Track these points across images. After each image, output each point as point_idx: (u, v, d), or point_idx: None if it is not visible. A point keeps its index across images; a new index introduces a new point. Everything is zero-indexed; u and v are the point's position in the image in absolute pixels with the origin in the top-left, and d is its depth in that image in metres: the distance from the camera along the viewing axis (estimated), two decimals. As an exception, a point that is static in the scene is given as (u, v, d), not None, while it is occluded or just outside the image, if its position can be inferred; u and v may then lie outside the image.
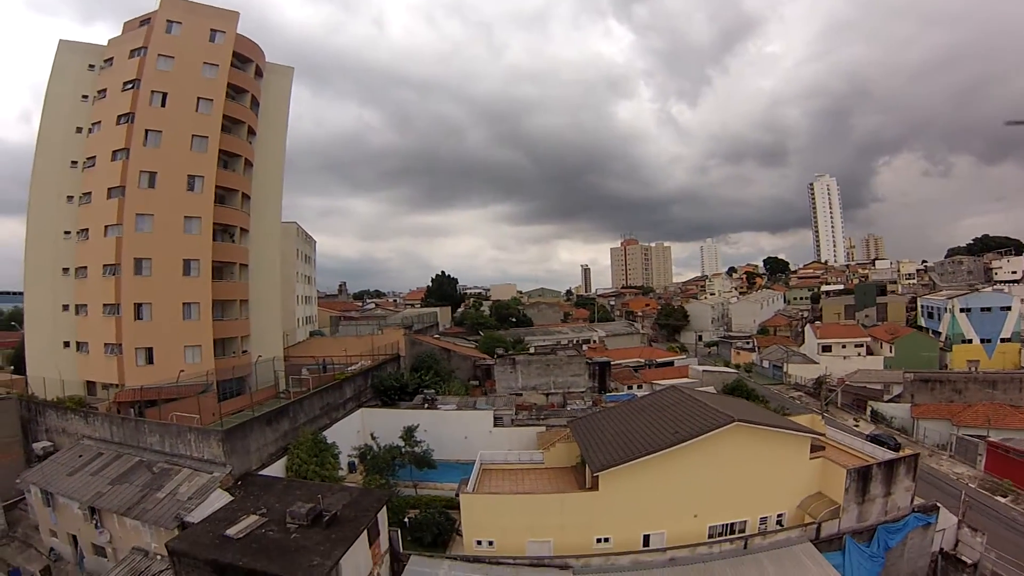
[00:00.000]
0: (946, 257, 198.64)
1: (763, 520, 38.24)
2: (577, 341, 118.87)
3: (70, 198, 59.65)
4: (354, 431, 58.50)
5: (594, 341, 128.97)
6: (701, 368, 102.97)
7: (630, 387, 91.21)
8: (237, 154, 64.13)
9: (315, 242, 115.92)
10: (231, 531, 30.61)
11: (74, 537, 41.16)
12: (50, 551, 42.75)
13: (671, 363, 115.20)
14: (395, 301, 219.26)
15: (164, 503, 36.93)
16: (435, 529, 42.57)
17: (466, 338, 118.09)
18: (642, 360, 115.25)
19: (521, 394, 77.32)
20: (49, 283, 59.13)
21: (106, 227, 56.07)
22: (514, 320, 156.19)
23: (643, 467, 36.01)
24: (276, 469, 44.02)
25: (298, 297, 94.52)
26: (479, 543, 37.35)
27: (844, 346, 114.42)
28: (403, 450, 50.57)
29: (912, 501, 38.05)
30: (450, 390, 72.90)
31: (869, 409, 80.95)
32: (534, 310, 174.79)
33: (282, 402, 49.71)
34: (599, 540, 37.15)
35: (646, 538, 37.30)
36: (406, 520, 43.68)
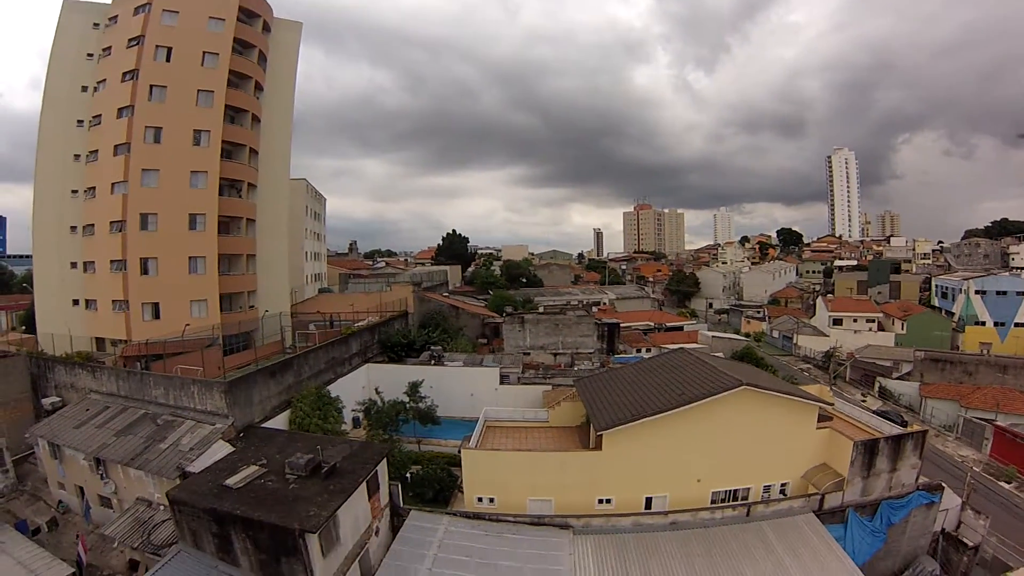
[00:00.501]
0: (963, 239, 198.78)
1: (766, 488, 37.95)
2: (587, 303, 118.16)
3: (77, 157, 59.43)
4: (359, 386, 58.55)
5: (604, 304, 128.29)
6: (711, 334, 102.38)
7: (639, 350, 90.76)
8: (244, 109, 63.33)
9: (325, 199, 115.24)
10: (230, 481, 30.57)
11: (81, 489, 41.64)
12: (58, 503, 43.34)
13: (681, 328, 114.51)
14: (406, 260, 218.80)
15: (167, 454, 37.11)
16: (437, 485, 42.66)
17: (475, 297, 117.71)
18: (652, 324, 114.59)
19: (529, 353, 77.06)
20: (57, 242, 59.20)
21: (112, 184, 55.92)
22: (524, 281, 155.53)
23: (648, 428, 35.59)
24: (279, 422, 44.13)
25: (307, 254, 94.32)
26: (480, 500, 37.32)
27: (855, 320, 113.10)
28: (407, 406, 50.47)
29: (917, 479, 37.52)
30: (457, 347, 72.82)
31: (877, 385, 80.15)
32: (545, 271, 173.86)
33: (287, 356, 49.52)
34: (601, 501, 37.03)
35: (648, 501, 37.16)
36: (408, 476, 43.77)
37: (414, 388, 51.12)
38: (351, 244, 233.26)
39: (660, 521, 35.32)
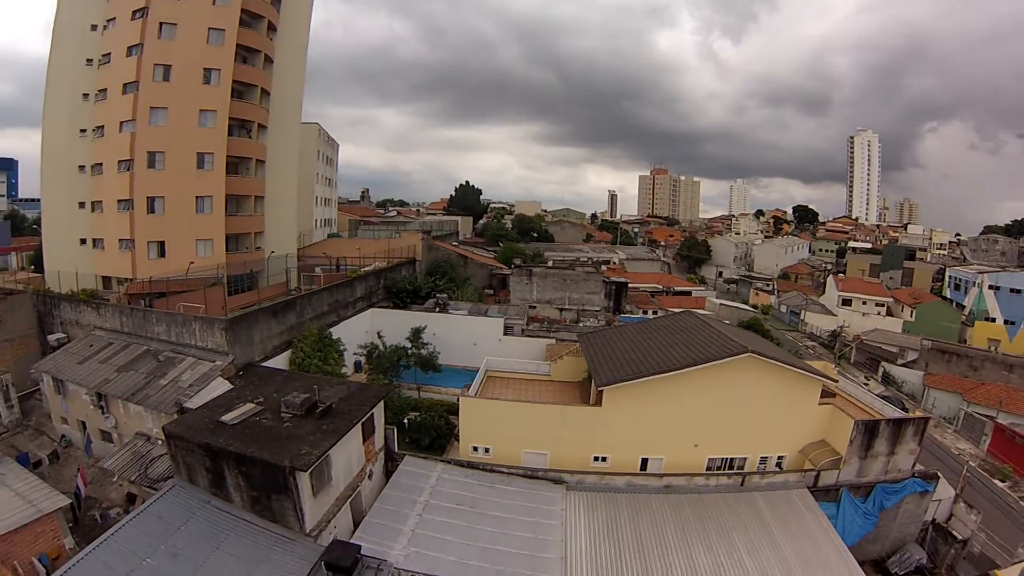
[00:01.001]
0: (981, 234, 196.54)
1: (763, 460, 37.83)
2: (597, 261, 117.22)
3: (86, 96, 58.56)
4: (363, 330, 58.58)
5: (614, 263, 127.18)
6: (719, 301, 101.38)
7: (645, 311, 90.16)
8: (257, 49, 61.91)
9: (337, 145, 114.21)
10: (226, 417, 30.55)
11: (83, 423, 42.06)
12: (61, 437, 43.87)
13: (689, 293, 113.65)
14: (418, 210, 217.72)
15: (166, 389, 37.22)
16: (433, 432, 42.78)
17: (485, 248, 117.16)
18: (660, 286, 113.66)
19: (535, 307, 76.72)
20: (66, 181, 58.75)
21: (121, 123, 55.11)
22: (535, 235, 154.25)
23: (649, 387, 35.33)
24: (280, 362, 44.20)
25: (317, 198, 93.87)
26: (475, 449, 37.48)
27: (865, 303, 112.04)
28: (409, 351, 50.38)
29: (914, 466, 36.94)
30: (463, 296, 72.55)
31: (882, 370, 78.92)
32: (557, 227, 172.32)
33: (290, 297, 49.34)
34: (596, 458, 37.05)
35: (644, 462, 37.17)
36: (405, 421, 43.90)
37: (416, 334, 51.03)
38: (363, 192, 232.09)
39: (654, 483, 35.31)
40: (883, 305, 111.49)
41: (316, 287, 55.45)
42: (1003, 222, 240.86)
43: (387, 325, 58.33)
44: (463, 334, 58.95)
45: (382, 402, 35.28)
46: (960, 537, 36.90)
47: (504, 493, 33.18)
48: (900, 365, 78.68)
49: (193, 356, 40.19)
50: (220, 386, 36.77)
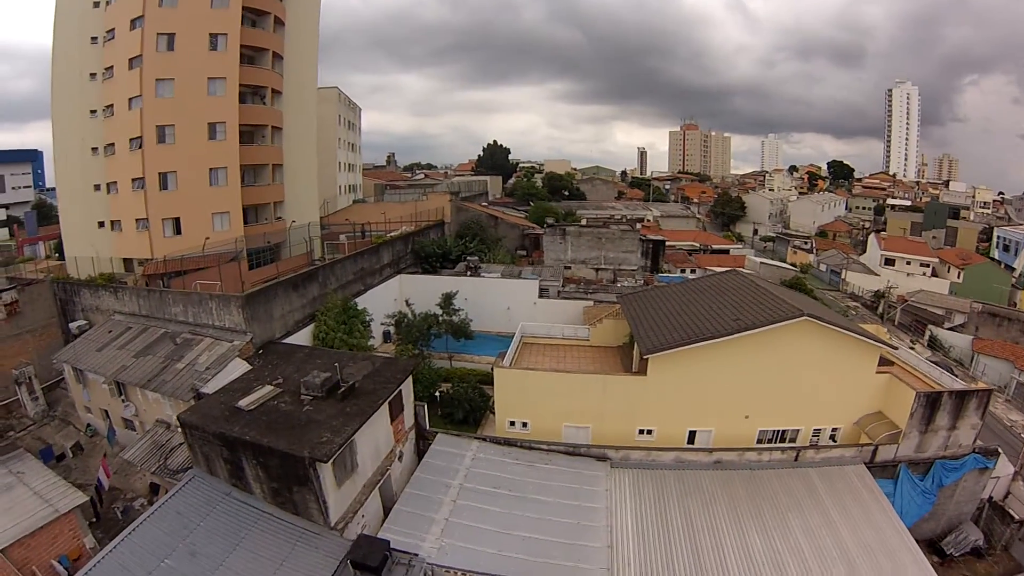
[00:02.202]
0: None
1: (816, 432, 34.79)
2: (631, 218, 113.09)
3: (93, 76, 56.13)
4: (391, 298, 56.26)
5: (648, 220, 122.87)
6: (759, 260, 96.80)
7: (683, 270, 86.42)
8: (265, 11, 58.49)
9: (359, 109, 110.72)
10: (243, 403, 28.37)
11: (106, 412, 40.70)
12: (87, 427, 42.68)
13: (727, 251, 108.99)
14: (445, 172, 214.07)
15: (183, 374, 35.27)
16: (467, 405, 40.36)
17: (516, 208, 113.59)
18: (697, 244, 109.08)
19: (570, 267, 73.59)
20: (79, 164, 56.69)
21: (130, 100, 52.55)
22: (567, 193, 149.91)
23: (698, 354, 32.25)
24: (302, 337, 41.95)
25: (340, 164, 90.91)
26: (512, 424, 34.97)
27: (909, 263, 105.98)
28: (440, 319, 47.78)
29: (975, 441, 33.54)
30: (495, 258, 69.70)
31: (928, 333, 74.11)
32: (588, 185, 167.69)
33: (311, 268, 46.86)
34: (641, 432, 34.33)
35: (691, 435, 34.45)
36: (437, 394, 41.52)
37: (447, 300, 48.27)
38: (389, 156, 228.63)
39: (704, 459, 32.63)
40: (928, 265, 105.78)
41: (340, 255, 53.05)
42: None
43: (416, 292, 55.87)
44: (496, 298, 56.05)
45: (410, 377, 32.83)
46: (1018, 517, 33.82)
47: (544, 473, 30.75)
48: (948, 328, 74.15)
49: (211, 337, 38.11)
50: (238, 367, 34.66)
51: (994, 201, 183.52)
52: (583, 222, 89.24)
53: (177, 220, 51.98)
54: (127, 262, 55.10)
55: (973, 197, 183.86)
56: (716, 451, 32.81)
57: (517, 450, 32.33)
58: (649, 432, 34.31)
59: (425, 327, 47.07)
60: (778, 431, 34.55)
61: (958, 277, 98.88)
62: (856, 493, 30.64)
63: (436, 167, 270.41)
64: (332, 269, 47.65)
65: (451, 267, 64.17)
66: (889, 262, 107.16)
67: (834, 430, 34.84)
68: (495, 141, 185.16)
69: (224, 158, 53.22)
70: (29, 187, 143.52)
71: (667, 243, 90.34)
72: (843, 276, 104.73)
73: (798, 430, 34.54)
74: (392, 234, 63.71)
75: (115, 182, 54.90)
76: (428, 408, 35.50)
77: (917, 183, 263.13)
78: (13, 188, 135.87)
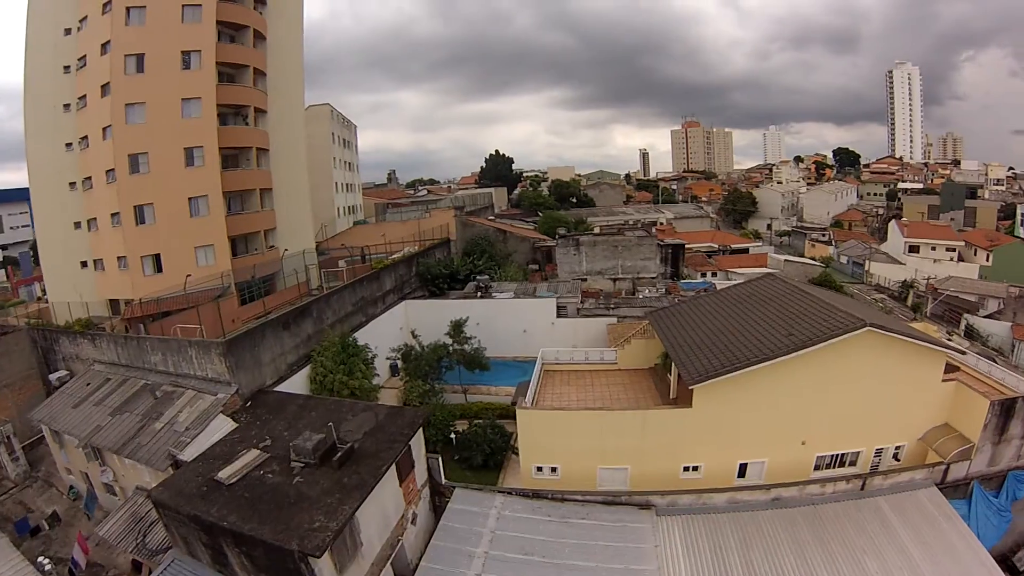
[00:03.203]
0: None
1: (878, 453, 30.31)
2: (646, 222, 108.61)
3: (67, 107, 52.68)
4: (396, 327, 51.99)
5: (661, 223, 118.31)
6: (782, 257, 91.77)
7: (703, 274, 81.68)
8: (243, 24, 54.69)
9: (355, 126, 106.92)
10: (223, 474, 24.08)
11: (87, 474, 36.44)
12: (69, 489, 38.76)
13: (746, 250, 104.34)
14: (448, 187, 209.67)
15: (160, 436, 30.84)
16: (487, 448, 35.70)
17: (524, 219, 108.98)
18: (715, 245, 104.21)
19: (586, 279, 69.15)
20: (57, 200, 53.33)
21: (104, 129, 48.75)
22: (575, 200, 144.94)
23: (749, 378, 27.61)
24: (297, 382, 37.47)
25: (336, 184, 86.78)
26: (539, 470, 30.37)
27: (934, 248, 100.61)
28: (450, 349, 43.33)
29: None
30: (507, 275, 65.13)
31: (964, 323, 69.11)
32: (595, 191, 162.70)
33: (304, 302, 42.44)
34: (686, 469, 29.77)
35: (742, 468, 29.83)
36: (452, 436, 36.97)
37: (457, 328, 43.79)
38: (390, 174, 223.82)
39: (761, 497, 27.96)
40: (954, 250, 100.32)
41: (340, 283, 48.80)
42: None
43: (423, 319, 51.65)
44: (510, 321, 51.50)
45: (421, 429, 28.34)
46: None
47: (582, 531, 26.10)
48: (983, 316, 69.22)
49: (193, 389, 33.71)
50: (222, 425, 30.23)
51: (1007, 177, 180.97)
52: (596, 230, 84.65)
53: (157, 257, 47.79)
54: (114, 303, 51.10)
55: (986, 175, 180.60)
56: (774, 487, 28.17)
57: (548, 503, 27.72)
58: (695, 468, 29.78)
59: (435, 359, 42.64)
60: (837, 455, 30.11)
61: (987, 260, 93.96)
62: (933, 522, 26.32)
63: (439, 182, 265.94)
64: (328, 301, 43.24)
65: (460, 288, 59.86)
66: (913, 249, 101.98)
67: (897, 448, 30.39)
68: (497, 151, 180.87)
69: (204, 185, 49.09)
70: (28, 226, 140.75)
71: (686, 247, 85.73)
72: (866, 267, 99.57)
73: (859, 452, 30.10)
74: (394, 256, 59.60)
75: (95, 218, 51.11)
76: (443, 451, 31.02)
77: (925, 164, 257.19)
78: (12, 228, 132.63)
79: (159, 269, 47.45)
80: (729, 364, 27.76)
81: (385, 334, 48.01)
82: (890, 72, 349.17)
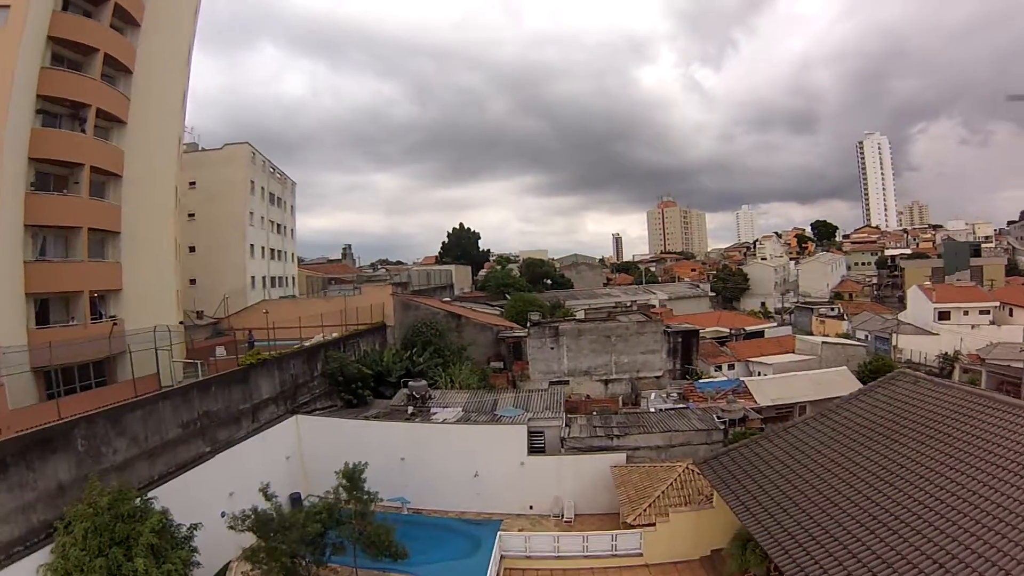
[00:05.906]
0: (1011, 222, 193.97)
1: None
2: (642, 304, 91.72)
3: None
4: (280, 456, 33.15)
5: (655, 305, 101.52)
6: (818, 340, 75.08)
7: (719, 367, 64.62)
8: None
9: (292, 183, 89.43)
10: None
11: None
12: None
13: (762, 333, 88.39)
14: (407, 268, 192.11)
15: None
16: None
17: (489, 303, 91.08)
18: (725, 329, 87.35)
19: (567, 381, 51.28)
20: None
21: None
22: (550, 282, 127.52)
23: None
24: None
25: (253, 247, 68.00)
26: None
27: (966, 313, 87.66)
28: (339, 515, 24.24)
29: None
30: (457, 377, 46.57)
31: None
32: (573, 271, 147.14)
33: (70, 418, 23.19)
34: None
35: None
36: None
37: (352, 481, 24.59)
38: (344, 248, 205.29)
39: None
40: (987, 312, 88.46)
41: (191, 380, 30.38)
42: (1006, 212, 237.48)
43: (323, 444, 32.99)
44: (455, 457, 32.42)
45: None
46: None
47: None
48: None
49: None
50: None
51: (995, 232, 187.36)
52: (579, 315, 67.09)
53: None
54: None
55: (973, 233, 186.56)
56: None
57: None
58: None
59: (313, 533, 23.25)
60: None
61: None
62: None
63: (405, 263, 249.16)
64: (114, 419, 23.97)
65: (392, 395, 41.29)
66: (943, 315, 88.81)
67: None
68: (461, 224, 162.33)
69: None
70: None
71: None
72: (894, 342, 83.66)
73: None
74: (312, 342, 41.63)
75: None
76: None
77: (905, 231, 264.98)
78: None
79: None
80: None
81: (254, 470, 28.61)
82: (860, 143, 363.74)
